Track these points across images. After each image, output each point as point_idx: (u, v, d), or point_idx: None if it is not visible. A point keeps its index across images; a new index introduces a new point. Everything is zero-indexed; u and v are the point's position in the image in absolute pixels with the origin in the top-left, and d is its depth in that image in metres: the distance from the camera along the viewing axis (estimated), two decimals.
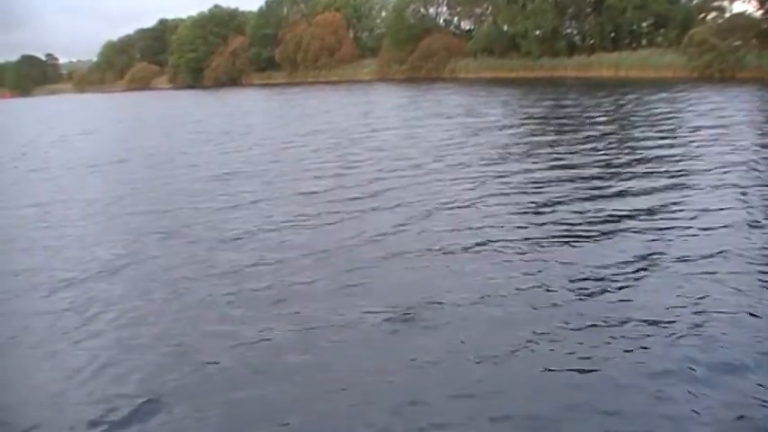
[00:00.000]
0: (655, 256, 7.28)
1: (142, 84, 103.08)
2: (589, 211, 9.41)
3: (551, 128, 19.17)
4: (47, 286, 7.71)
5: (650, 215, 9.02)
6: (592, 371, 4.98)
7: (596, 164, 13.11)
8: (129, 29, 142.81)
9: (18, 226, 11.22)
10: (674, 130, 17.40)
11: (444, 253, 7.84)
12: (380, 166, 14.34)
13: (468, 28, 63.75)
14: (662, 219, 8.82)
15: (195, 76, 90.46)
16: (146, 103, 61.20)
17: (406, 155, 15.56)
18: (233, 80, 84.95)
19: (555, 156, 14.31)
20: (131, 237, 9.75)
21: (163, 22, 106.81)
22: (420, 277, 7.12)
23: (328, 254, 8.12)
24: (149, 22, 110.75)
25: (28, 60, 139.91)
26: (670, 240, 7.82)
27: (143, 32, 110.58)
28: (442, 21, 65.97)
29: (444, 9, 65.79)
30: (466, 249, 7.92)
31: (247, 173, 14.82)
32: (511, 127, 20.03)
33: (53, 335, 6.34)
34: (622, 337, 5.46)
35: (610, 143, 15.70)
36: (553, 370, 5.02)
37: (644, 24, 50.14)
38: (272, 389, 5.04)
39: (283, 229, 9.48)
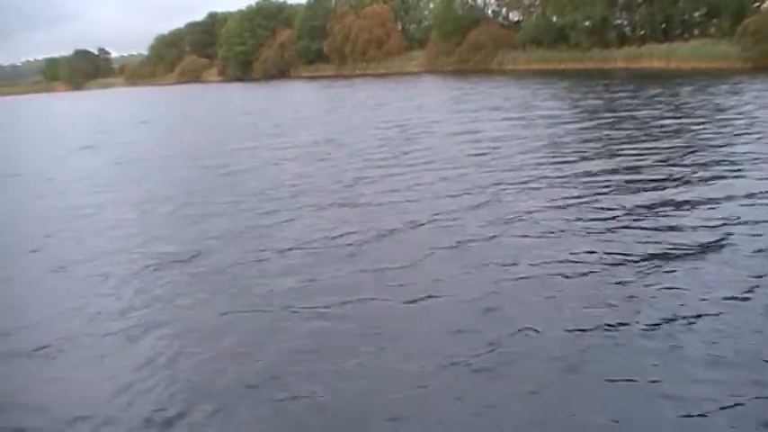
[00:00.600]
0: (758, 281, 6.49)
1: (192, 76, 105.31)
2: (677, 221, 8.65)
3: (614, 122, 18.55)
4: (103, 288, 7.64)
5: (751, 230, 8.06)
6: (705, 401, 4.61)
7: (669, 164, 12.30)
8: (179, 22, 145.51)
9: (71, 226, 11.13)
10: (746, 125, 16.37)
11: (524, 264, 7.33)
12: (442, 163, 13.92)
13: (516, 19, 63.58)
14: (761, 237, 7.83)
15: (244, 69, 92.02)
16: (196, 95, 62.44)
17: (467, 151, 15.26)
18: (281, 72, 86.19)
19: (623, 154, 13.68)
20: (187, 238, 9.60)
21: (212, 16, 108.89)
22: (508, 293, 6.61)
23: (400, 264, 7.61)
24: (199, 16, 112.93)
25: (81, 55, 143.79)
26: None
27: (193, 26, 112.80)
28: (490, 12, 65.85)
29: (492, 0, 65.78)
30: (550, 260, 7.38)
31: (304, 170, 14.64)
32: (570, 121, 19.62)
33: (108, 341, 6.21)
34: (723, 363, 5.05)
35: (679, 141, 14.90)
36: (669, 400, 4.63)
37: (696, 14, 49.31)
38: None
39: (347, 234, 9.00)
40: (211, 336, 6.17)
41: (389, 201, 10.92)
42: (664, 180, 11.04)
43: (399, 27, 76.08)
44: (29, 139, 30.01)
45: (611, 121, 19.13)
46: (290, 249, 8.55)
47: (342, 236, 8.96)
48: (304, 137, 20.83)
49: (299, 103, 39.66)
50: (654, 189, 10.47)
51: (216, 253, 8.69)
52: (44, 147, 25.90)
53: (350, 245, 8.53)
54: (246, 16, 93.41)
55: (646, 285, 6.58)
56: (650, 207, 9.38)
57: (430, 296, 6.66)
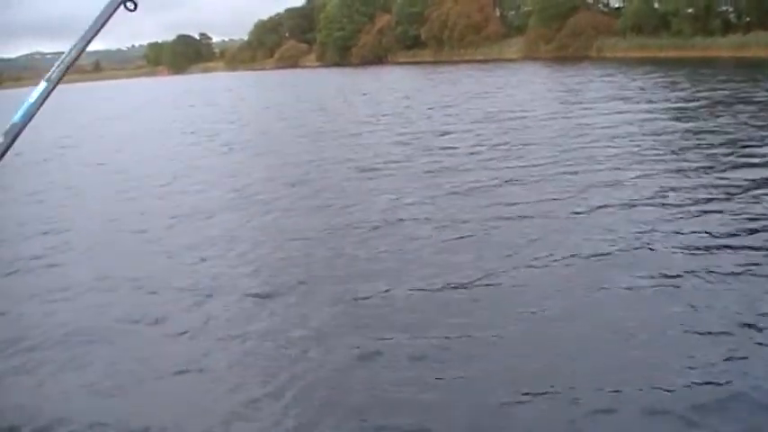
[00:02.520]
0: None
1: (291, 62, 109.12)
2: None
3: (750, 117, 17.46)
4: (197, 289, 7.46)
5: None
6: None
7: None
8: (279, 8, 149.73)
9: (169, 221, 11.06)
10: None
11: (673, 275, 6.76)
12: (565, 164, 13.01)
13: (616, 5, 63.89)
14: None
15: (342, 55, 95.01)
16: (305, 81, 63.96)
17: (598, 149, 14.37)
18: (379, 58, 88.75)
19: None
20: (289, 239, 9.30)
21: (311, 1, 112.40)
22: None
23: (529, 274, 7.18)
24: (298, 2, 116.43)
25: (183, 40, 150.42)
26: None
27: (292, 11, 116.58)
28: None
29: None
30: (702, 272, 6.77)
31: (419, 163, 14.42)
32: (700, 114, 18.68)
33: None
34: None
35: None
36: None
37: None
38: None
39: (473, 238, 8.53)
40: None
41: (514, 202, 10.31)
42: None
43: (498, 13, 77.34)
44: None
45: (746, 115, 17.84)
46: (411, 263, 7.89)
47: (469, 239, 8.56)
48: (416, 127, 20.82)
49: (406, 89, 39.99)
50: None
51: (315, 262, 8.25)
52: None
53: (479, 257, 7.91)
54: (345, 2, 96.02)
55: None
56: None
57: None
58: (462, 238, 8.65)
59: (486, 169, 13.20)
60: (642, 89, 27.40)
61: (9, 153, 2.40)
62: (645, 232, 8.15)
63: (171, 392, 5.40)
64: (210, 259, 8.72)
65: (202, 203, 12.29)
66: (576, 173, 12.09)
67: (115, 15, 2.59)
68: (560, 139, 16.18)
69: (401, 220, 9.85)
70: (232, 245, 9.31)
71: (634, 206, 9.49)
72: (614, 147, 14.45)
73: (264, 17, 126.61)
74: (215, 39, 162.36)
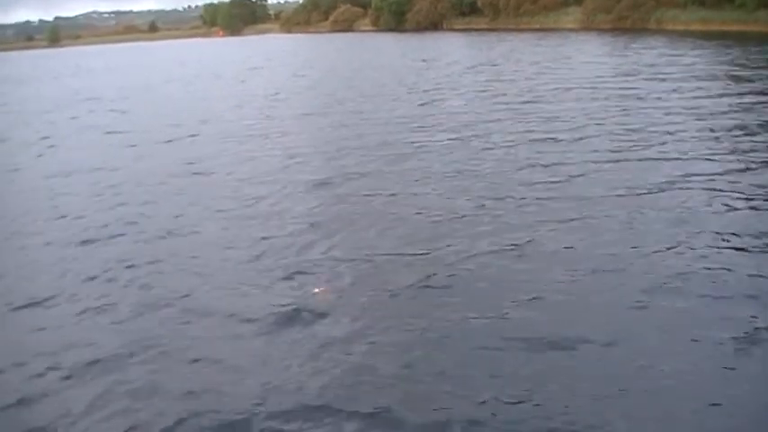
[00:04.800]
0: None
1: (345, 25, 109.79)
2: None
3: None
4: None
5: None
6: None
7: None
8: None
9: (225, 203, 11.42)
10: None
11: None
12: (662, 147, 12.99)
13: None
14: None
15: (397, 20, 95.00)
16: (356, 44, 65.13)
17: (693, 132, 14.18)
18: (434, 24, 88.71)
19: None
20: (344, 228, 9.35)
21: None
22: None
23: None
24: None
25: (239, 1, 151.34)
26: None
27: None
28: None
29: None
30: None
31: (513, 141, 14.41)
32: None
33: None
34: None
35: None
36: None
37: None
38: None
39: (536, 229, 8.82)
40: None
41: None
42: None
43: None
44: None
45: None
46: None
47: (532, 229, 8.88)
48: (494, 100, 20.63)
49: (474, 57, 40.06)
50: None
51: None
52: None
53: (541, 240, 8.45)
54: None
55: None
56: None
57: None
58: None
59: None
60: (730, 67, 26.22)
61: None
62: None
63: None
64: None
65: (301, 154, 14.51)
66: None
67: None
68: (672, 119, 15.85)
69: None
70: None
71: None
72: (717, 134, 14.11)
73: None
74: (270, 0, 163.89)
